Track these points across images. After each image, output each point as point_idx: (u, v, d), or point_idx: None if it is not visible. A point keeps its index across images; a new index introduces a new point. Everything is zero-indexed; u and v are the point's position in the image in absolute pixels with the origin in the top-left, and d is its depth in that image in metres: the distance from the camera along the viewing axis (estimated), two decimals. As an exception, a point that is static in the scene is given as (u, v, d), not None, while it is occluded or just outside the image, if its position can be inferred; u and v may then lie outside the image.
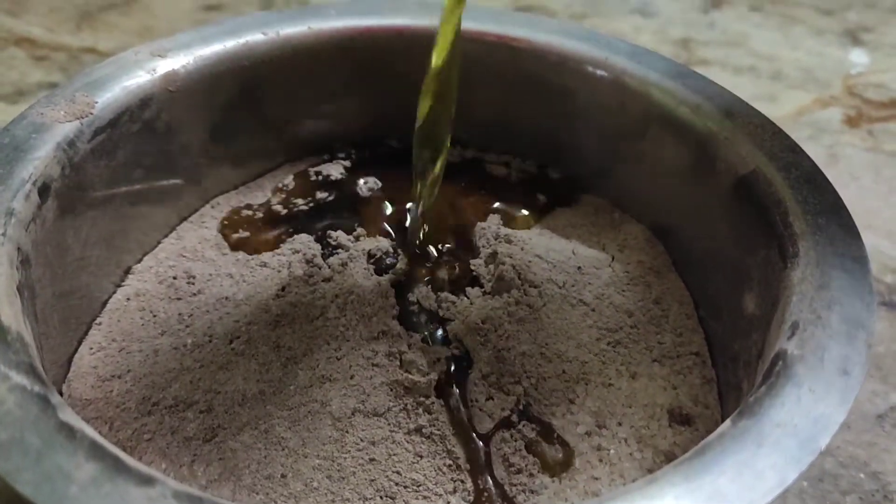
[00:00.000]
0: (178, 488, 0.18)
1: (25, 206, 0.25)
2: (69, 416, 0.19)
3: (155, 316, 0.29)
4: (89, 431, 0.19)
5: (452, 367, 0.28)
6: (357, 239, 0.32)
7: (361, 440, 0.26)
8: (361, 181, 0.35)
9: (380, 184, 0.35)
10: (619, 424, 0.27)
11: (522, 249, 0.32)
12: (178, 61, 0.31)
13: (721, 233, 0.30)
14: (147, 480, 0.18)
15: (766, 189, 0.27)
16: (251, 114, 0.34)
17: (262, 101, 0.34)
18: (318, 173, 0.35)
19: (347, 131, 0.37)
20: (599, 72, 0.33)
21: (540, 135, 0.36)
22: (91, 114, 0.28)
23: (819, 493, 0.34)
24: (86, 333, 0.29)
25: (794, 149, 0.28)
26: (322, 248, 0.31)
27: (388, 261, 0.31)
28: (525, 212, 0.35)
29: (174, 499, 0.17)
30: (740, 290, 0.29)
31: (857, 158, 0.52)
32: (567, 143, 0.35)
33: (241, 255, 0.32)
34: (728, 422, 0.20)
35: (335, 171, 0.36)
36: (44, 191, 0.26)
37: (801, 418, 0.20)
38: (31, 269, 0.25)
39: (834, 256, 0.24)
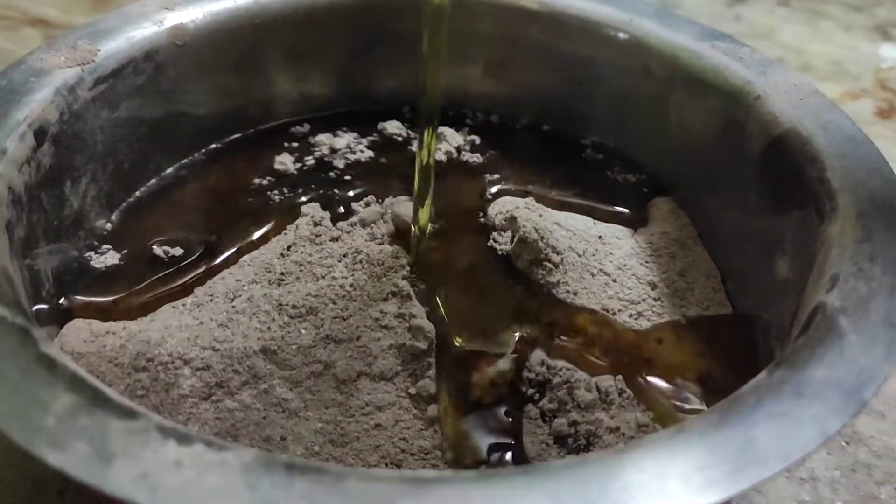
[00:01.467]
0: (165, 423, 0.16)
1: (19, 147, 0.24)
2: (50, 348, 0.18)
3: (154, 274, 0.28)
4: (71, 364, 0.17)
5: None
6: (368, 205, 0.31)
7: (367, 404, 0.25)
8: (368, 149, 0.34)
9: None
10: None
11: (541, 216, 0.30)
12: (188, 15, 0.30)
13: (751, 199, 0.28)
14: (129, 413, 0.16)
15: (802, 147, 0.26)
16: (259, 74, 0.33)
17: (272, 61, 0.33)
18: (322, 140, 0.34)
19: (359, 97, 0.35)
20: (622, 35, 0.32)
21: (563, 99, 0.34)
22: (93, 61, 0.27)
23: (852, 484, 0.32)
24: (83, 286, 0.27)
25: (832, 108, 0.27)
26: (331, 213, 0.30)
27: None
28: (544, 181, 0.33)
29: (158, 431, 0.16)
30: (771, 256, 0.27)
31: (890, 151, 0.50)
32: (589, 109, 0.34)
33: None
34: (763, 373, 0.18)
35: (341, 140, 0.34)
36: (40, 134, 0.25)
37: (844, 370, 0.18)
38: (24, 212, 0.23)
39: (875, 210, 0.22)
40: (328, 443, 0.24)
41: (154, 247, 0.29)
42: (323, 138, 0.34)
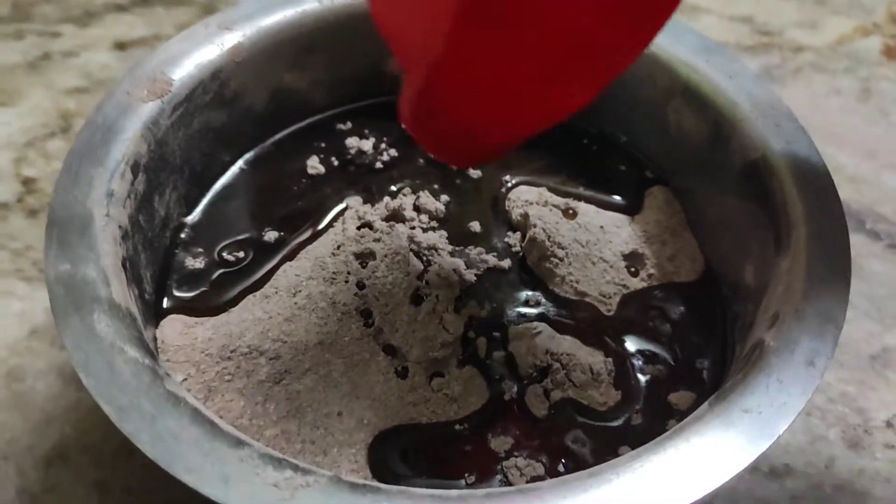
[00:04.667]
0: (264, 451, 0.23)
1: (121, 185, 0.29)
2: (173, 385, 0.24)
3: (228, 266, 0.34)
4: (190, 399, 0.24)
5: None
6: (405, 196, 0.36)
7: (404, 385, 0.31)
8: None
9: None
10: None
11: (551, 210, 0.35)
12: (243, 33, 0.34)
13: (731, 204, 0.33)
14: (238, 443, 0.23)
15: (770, 177, 0.30)
16: (307, 74, 0.37)
17: (316, 62, 0.37)
18: (366, 134, 0.39)
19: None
20: (631, 43, 0.35)
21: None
22: (169, 91, 0.32)
23: (806, 427, 0.38)
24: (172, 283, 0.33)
25: (801, 138, 0.31)
26: (373, 208, 0.35)
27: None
28: (557, 171, 0.38)
29: (259, 459, 0.23)
30: (743, 260, 0.32)
31: (892, 93, 0.53)
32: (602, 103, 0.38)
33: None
34: (706, 405, 0.24)
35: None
36: (135, 168, 0.30)
37: (766, 405, 0.24)
38: (130, 241, 0.29)
39: (820, 252, 0.27)
40: (375, 416, 0.30)
41: (226, 243, 0.34)
42: (365, 132, 0.39)
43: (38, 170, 0.46)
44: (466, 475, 0.29)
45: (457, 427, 0.30)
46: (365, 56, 0.38)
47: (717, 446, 0.23)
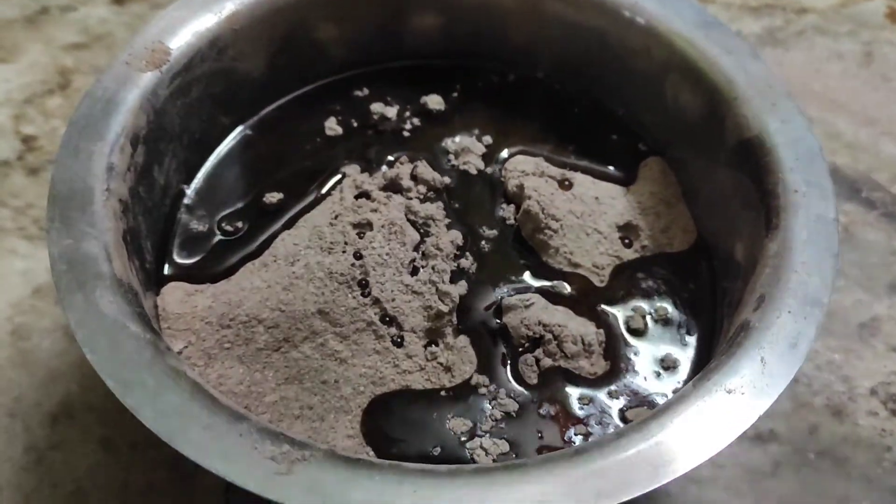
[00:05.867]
0: (262, 425, 0.24)
1: (121, 159, 0.30)
2: (174, 360, 0.25)
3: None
4: (191, 374, 0.25)
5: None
6: (402, 165, 0.36)
7: (400, 353, 0.32)
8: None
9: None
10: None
11: (546, 182, 0.36)
12: (240, 0, 0.34)
13: (724, 180, 0.34)
14: (238, 417, 0.24)
15: (764, 158, 0.31)
16: (306, 41, 0.37)
17: (317, 25, 0.37)
18: (366, 99, 0.39)
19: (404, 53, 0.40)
20: (628, 14, 0.35)
21: (574, 66, 0.39)
22: (168, 61, 0.32)
23: (792, 394, 0.39)
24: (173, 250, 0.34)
25: (796, 118, 0.31)
26: (370, 177, 0.36)
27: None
28: (554, 141, 0.38)
29: (258, 434, 0.23)
30: (733, 237, 0.33)
31: (894, 58, 0.53)
32: (599, 74, 0.38)
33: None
34: (690, 385, 0.25)
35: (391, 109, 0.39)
36: (134, 141, 0.31)
37: (748, 386, 0.25)
38: (129, 213, 0.30)
39: (808, 236, 0.28)
40: (371, 383, 0.31)
41: (227, 212, 0.35)
42: (375, 98, 0.39)
43: (37, 127, 0.46)
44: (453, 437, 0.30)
45: (445, 394, 0.31)
46: (371, 18, 0.38)
47: (698, 427, 0.24)
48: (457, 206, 0.36)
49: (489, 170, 0.37)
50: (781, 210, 0.29)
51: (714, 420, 0.24)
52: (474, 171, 0.36)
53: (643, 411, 0.30)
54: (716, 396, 0.25)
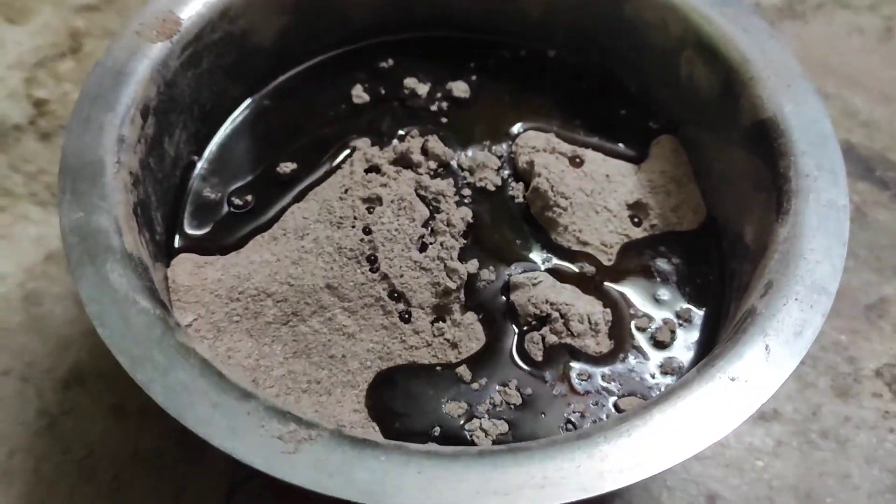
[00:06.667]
0: (269, 403, 0.24)
1: (131, 131, 0.30)
2: (183, 336, 0.25)
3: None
4: (200, 350, 0.25)
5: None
6: (411, 138, 0.36)
7: (406, 328, 0.32)
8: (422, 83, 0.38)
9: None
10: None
11: (557, 159, 0.35)
12: (253, -31, 0.34)
13: (737, 160, 0.33)
14: (245, 395, 0.24)
15: (777, 140, 0.30)
16: (318, 11, 0.37)
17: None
18: (381, 70, 0.39)
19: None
20: (646, -14, 0.35)
21: (588, 39, 0.38)
22: (178, 31, 0.32)
23: (797, 373, 0.39)
24: (183, 221, 0.34)
25: (811, 100, 0.31)
26: (381, 151, 0.35)
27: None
28: (565, 116, 0.38)
29: (265, 412, 0.24)
30: (744, 218, 0.33)
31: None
32: (612, 49, 0.38)
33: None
34: (694, 370, 0.25)
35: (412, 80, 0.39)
36: (144, 112, 0.31)
37: (752, 374, 0.25)
38: (140, 185, 0.30)
39: (819, 222, 0.28)
40: (378, 358, 0.31)
41: (236, 182, 0.35)
42: (395, 68, 0.39)
43: (49, 91, 0.46)
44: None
45: (449, 371, 0.31)
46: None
47: (700, 413, 0.24)
48: (467, 179, 0.35)
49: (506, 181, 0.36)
50: (792, 195, 0.29)
51: (716, 407, 0.24)
52: (492, 188, 0.35)
53: (636, 400, 0.30)
54: (719, 383, 0.25)
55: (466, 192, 0.35)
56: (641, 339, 0.32)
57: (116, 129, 0.29)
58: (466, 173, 0.35)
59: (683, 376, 0.26)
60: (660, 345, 0.31)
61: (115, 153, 0.29)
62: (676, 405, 0.24)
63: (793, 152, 0.30)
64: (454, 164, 0.35)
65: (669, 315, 0.33)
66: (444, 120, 0.37)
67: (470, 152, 0.35)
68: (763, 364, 0.25)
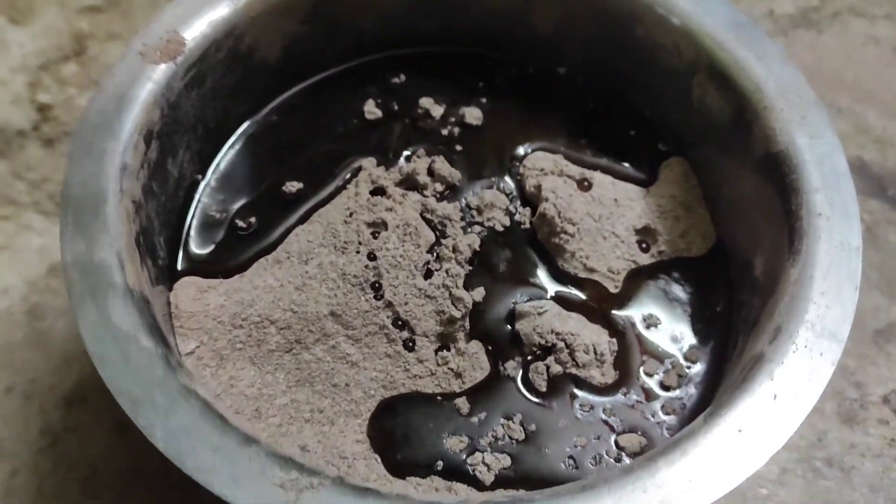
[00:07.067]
0: (271, 449, 0.24)
1: (134, 157, 0.29)
2: (185, 378, 0.25)
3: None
4: (202, 392, 0.25)
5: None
6: (417, 158, 0.36)
7: (411, 357, 0.32)
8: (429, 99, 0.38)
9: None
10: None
11: (565, 182, 0.35)
12: (259, -14, 0.33)
13: (748, 189, 0.33)
14: (247, 440, 0.24)
15: (790, 175, 0.30)
16: (325, 27, 0.36)
17: (336, 14, 0.36)
18: (386, 86, 0.38)
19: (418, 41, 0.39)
20: (659, 9, 0.34)
21: (599, 58, 0.38)
22: (182, 52, 0.31)
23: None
24: (186, 242, 0.34)
25: (826, 133, 0.30)
26: (386, 171, 0.35)
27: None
28: (574, 136, 0.37)
29: (267, 458, 0.24)
30: (754, 250, 0.32)
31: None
32: (623, 69, 0.37)
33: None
34: (700, 419, 0.25)
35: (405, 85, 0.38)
36: (148, 137, 0.30)
37: (760, 424, 0.25)
38: (143, 211, 0.29)
39: (830, 264, 0.27)
40: (381, 387, 0.31)
41: (240, 201, 0.35)
42: (406, 84, 0.38)
43: (52, 96, 0.46)
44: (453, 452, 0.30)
45: (452, 402, 0.31)
46: (390, 5, 0.37)
47: (708, 466, 0.24)
48: (474, 203, 0.35)
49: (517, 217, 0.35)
50: (804, 234, 0.28)
51: (722, 460, 0.24)
52: (500, 229, 0.34)
53: (636, 437, 0.30)
54: (726, 434, 0.25)
55: (477, 228, 0.35)
56: (648, 381, 0.32)
57: (119, 157, 0.29)
58: (474, 212, 0.34)
59: (690, 424, 0.25)
60: (666, 388, 0.31)
61: (117, 181, 0.28)
62: (683, 457, 0.24)
63: (805, 189, 0.29)
64: (463, 202, 0.35)
65: (676, 352, 0.32)
66: (458, 148, 0.37)
67: (478, 188, 0.35)
68: (771, 414, 0.25)
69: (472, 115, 0.37)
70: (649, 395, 0.31)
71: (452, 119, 0.37)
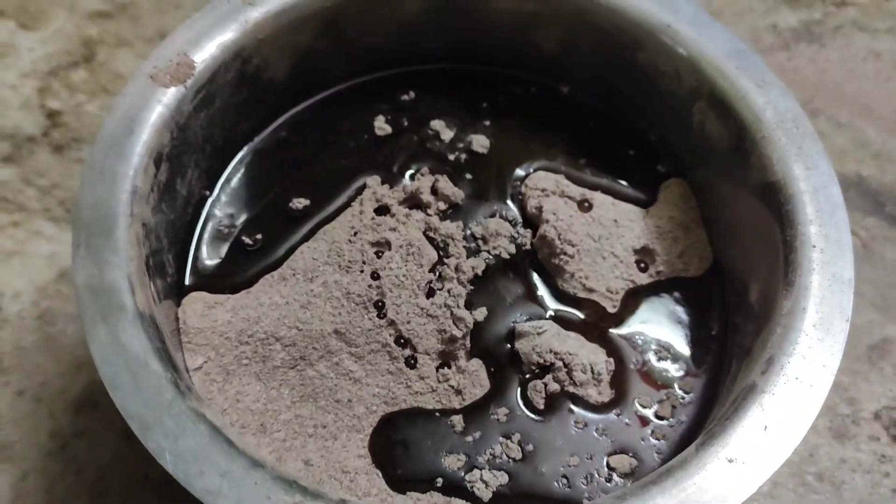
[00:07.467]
0: (276, 473, 0.25)
1: (144, 180, 0.30)
2: (194, 402, 0.26)
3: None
4: (210, 416, 0.26)
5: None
6: (421, 176, 0.36)
7: (412, 375, 0.32)
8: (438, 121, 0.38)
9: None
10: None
11: (566, 203, 0.36)
12: (266, 9, 0.34)
13: (745, 215, 0.33)
14: (253, 464, 0.25)
15: (786, 206, 0.30)
16: (333, 45, 0.37)
17: (344, 33, 0.37)
18: (396, 103, 0.39)
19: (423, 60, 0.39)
20: (661, 35, 0.35)
21: (599, 77, 0.38)
22: (192, 75, 0.32)
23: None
24: (194, 257, 0.35)
25: (821, 164, 0.31)
26: (390, 189, 0.36)
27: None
28: (574, 157, 0.38)
29: (272, 483, 0.25)
30: (749, 273, 0.33)
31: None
32: (625, 92, 0.38)
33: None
34: (692, 448, 0.26)
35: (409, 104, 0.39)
36: (157, 160, 0.31)
37: (751, 454, 0.25)
38: (152, 234, 0.30)
39: (822, 297, 0.28)
40: (383, 403, 0.32)
41: (247, 216, 0.35)
42: (415, 102, 0.39)
43: (62, 102, 0.47)
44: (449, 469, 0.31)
45: (454, 417, 0.32)
46: (397, 23, 0.37)
47: (699, 495, 0.25)
48: (476, 223, 0.36)
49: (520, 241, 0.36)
50: (798, 266, 0.29)
51: (713, 490, 0.25)
52: (507, 256, 0.35)
53: (626, 458, 0.31)
54: (717, 464, 0.25)
55: (483, 254, 0.35)
56: (639, 390, 0.33)
57: (130, 181, 0.29)
58: (480, 241, 0.35)
59: (682, 453, 0.26)
60: (661, 418, 0.32)
61: (128, 205, 0.29)
62: (675, 486, 0.25)
63: (800, 221, 0.30)
64: (468, 231, 0.35)
65: (672, 375, 0.33)
66: (467, 176, 0.37)
67: (481, 217, 0.35)
68: (761, 444, 0.26)
69: (479, 142, 0.38)
70: (644, 421, 0.32)
71: (461, 145, 0.38)
